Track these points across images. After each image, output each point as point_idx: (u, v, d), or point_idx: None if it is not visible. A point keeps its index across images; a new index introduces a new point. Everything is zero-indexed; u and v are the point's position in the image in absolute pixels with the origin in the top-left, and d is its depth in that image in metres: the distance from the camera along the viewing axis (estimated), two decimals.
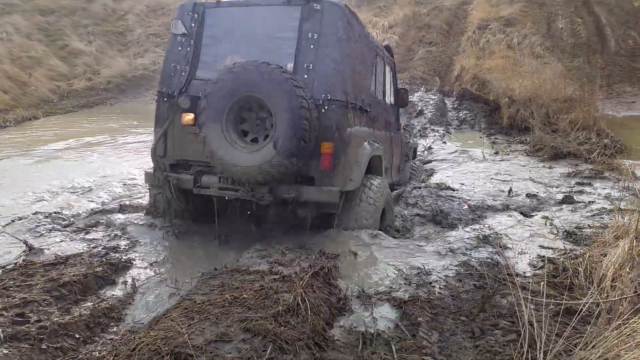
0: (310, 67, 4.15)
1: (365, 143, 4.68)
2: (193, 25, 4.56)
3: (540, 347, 2.51)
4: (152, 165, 4.81)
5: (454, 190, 7.15)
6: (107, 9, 24.78)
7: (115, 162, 8.86)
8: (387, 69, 5.94)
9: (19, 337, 2.98)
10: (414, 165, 7.68)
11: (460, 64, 15.65)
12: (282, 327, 2.79)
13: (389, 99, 6.09)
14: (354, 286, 3.86)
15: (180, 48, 4.58)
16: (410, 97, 14.02)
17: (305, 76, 4.12)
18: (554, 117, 10.87)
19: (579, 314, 2.86)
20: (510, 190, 7.04)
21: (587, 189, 7.35)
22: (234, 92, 4.01)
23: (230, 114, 4.07)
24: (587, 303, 2.97)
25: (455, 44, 18.94)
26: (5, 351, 2.82)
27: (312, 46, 4.17)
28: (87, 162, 8.81)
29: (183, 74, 4.50)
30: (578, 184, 7.61)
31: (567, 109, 11.12)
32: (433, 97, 14.14)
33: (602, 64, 16.66)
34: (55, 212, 5.98)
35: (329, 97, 4.12)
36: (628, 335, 2.42)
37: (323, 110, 4.10)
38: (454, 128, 12.20)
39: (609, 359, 2.36)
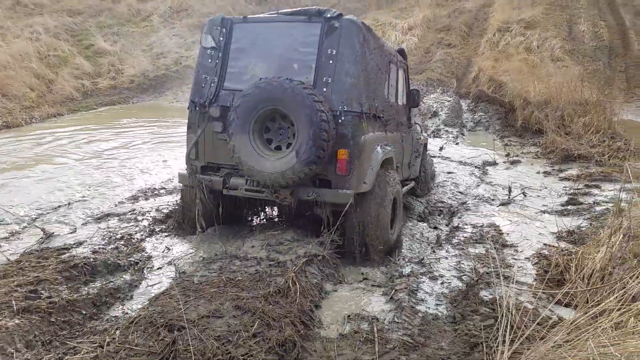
0: (329, 81, 4.39)
1: (378, 147, 4.88)
2: (221, 39, 4.83)
3: (507, 332, 2.64)
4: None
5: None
6: (132, 10, 25.37)
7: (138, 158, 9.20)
8: (400, 72, 6.15)
9: (30, 310, 3.23)
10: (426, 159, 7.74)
11: (478, 66, 15.64)
12: (271, 306, 2.98)
13: (401, 100, 6.27)
14: (349, 273, 4.03)
15: (209, 60, 4.84)
16: (426, 98, 14.17)
17: (324, 89, 4.37)
18: (569, 120, 10.82)
19: (555, 301, 2.98)
20: (510, 190, 7.11)
21: (595, 190, 7.37)
22: (260, 106, 4.29)
23: (256, 125, 4.36)
24: (562, 292, 3.07)
25: (474, 46, 18.90)
26: (17, 321, 3.07)
27: (331, 61, 4.44)
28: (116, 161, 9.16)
29: (212, 84, 4.75)
30: (586, 185, 7.62)
31: (583, 112, 11.05)
32: (449, 99, 14.17)
33: (624, 68, 16.45)
34: (74, 203, 6.29)
35: (345, 109, 4.36)
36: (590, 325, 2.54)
37: (340, 120, 4.34)
38: (468, 130, 12.22)
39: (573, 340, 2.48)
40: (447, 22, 21.44)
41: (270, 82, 4.25)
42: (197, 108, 4.79)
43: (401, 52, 6.40)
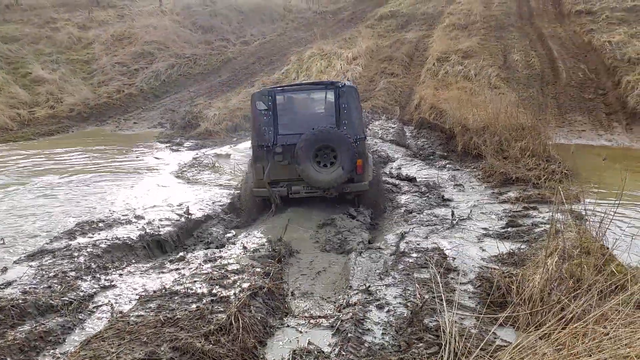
0: (346, 122, 7.18)
1: (369, 153, 7.90)
2: (270, 103, 7.22)
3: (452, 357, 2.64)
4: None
5: None
6: (72, 38, 24.71)
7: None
8: None
9: None
10: None
11: (420, 94, 16.11)
12: (212, 346, 2.86)
13: None
14: (296, 306, 3.95)
15: (265, 118, 7.22)
16: (371, 125, 14.45)
17: (345, 127, 7.14)
18: (506, 144, 11.24)
19: (498, 324, 3.01)
20: (453, 214, 7.28)
21: (533, 212, 7.64)
22: (317, 143, 6.89)
23: (313, 154, 6.93)
24: (504, 315, 3.12)
25: (415, 75, 19.52)
26: None
27: (345, 111, 7.21)
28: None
29: (270, 132, 7.18)
30: (525, 208, 7.89)
31: (519, 136, 11.52)
32: (393, 126, 14.49)
33: (554, 94, 17.38)
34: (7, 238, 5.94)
35: (358, 137, 7.18)
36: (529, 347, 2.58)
37: (356, 144, 7.05)
38: None
39: None
40: (390, 53, 22.07)
41: (321, 130, 6.90)
42: (264, 148, 7.17)
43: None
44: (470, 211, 7.68)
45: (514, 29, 23.32)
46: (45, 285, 4.54)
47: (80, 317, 4.05)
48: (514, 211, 7.72)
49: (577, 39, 21.00)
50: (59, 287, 4.53)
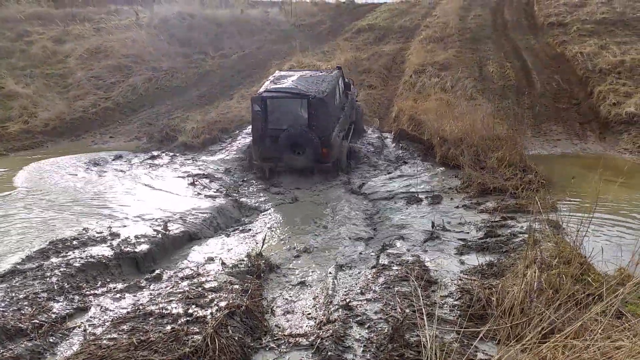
0: (315, 124, 9.65)
1: (337, 137, 10.25)
2: (262, 106, 9.77)
3: None
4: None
5: None
6: (47, 52, 24.33)
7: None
8: (340, 80, 11.42)
9: None
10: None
11: (398, 106, 16.20)
12: None
13: (342, 90, 11.54)
14: (276, 324, 3.87)
15: (259, 116, 9.82)
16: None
17: (314, 128, 9.64)
18: (483, 155, 11.35)
19: (479, 339, 2.98)
20: (433, 224, 7.29)
21: (511, 222, 7.69)
22: (291, 139, 9.58)
23: (289, 146, 9.62)
24: (485, 329, 3.10)
25: (393, 87, 19.66)
26: None
27: (315, 116, 9.63)
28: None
29: (262, 127, 9.85)
30: (503, 218, 7.94)
31: (496, 147, 11.64)
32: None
33: (530, 105, 17.65)
34: None
35: (324, 134, 9.67)
36: None
37: (322, 139, 9.58)
38: None
39: None
40: (368, 65, 22.22)
41: (294, 133, 9.57)
42: (259, 138, 9.94)
43: (339, 67, 12.09)
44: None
45: (489, 41, 23.72)
46: (14, 308, 4.38)
47: (51, 340, 3.91)
48: (492, 221, 7.77)
49: (550, 50, 21.45)
50: (29, 309, 4.38)
